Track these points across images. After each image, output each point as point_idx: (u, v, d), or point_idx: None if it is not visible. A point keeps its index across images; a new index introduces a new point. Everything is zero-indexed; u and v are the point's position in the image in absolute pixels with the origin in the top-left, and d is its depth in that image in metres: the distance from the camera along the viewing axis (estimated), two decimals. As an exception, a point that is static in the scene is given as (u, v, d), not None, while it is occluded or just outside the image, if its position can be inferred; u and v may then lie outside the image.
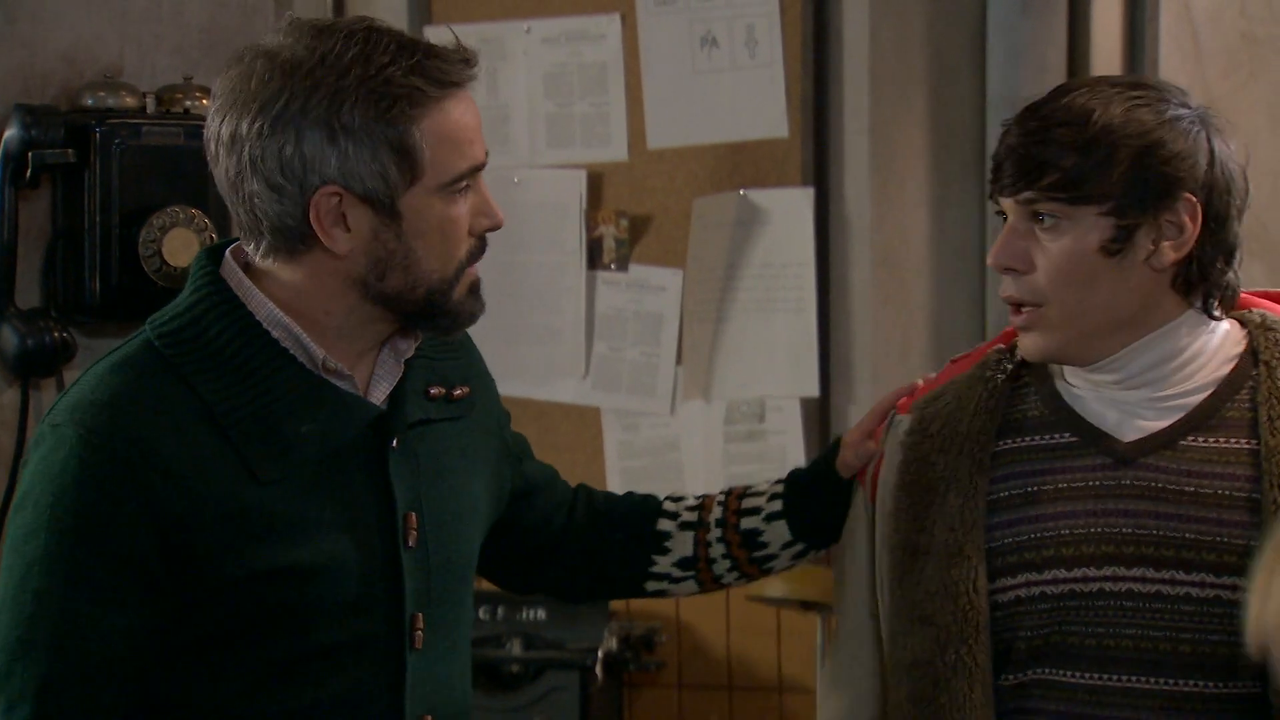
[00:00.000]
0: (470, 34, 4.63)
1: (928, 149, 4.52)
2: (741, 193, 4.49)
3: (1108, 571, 2.23)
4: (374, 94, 2.08)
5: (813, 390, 4.47)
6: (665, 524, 2.50)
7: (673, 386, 4.56)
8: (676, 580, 2.50)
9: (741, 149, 4.50)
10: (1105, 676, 2.24)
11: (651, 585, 2.50)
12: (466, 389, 2.30)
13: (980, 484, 2.30)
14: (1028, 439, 2.32)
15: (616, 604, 4.45)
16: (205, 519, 2.08)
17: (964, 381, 2.38)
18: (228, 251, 2.20)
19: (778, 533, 2.48)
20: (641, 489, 4.58)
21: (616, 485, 4.58)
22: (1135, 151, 2.21)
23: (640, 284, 4.59)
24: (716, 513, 2.51)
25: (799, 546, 2.49)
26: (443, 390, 2.27)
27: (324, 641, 2.14)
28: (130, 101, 2.77)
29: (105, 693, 2.08)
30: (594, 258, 4.61)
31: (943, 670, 2.27)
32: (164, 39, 2.86)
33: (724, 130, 4.51)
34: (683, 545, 2.50)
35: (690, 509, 2.52)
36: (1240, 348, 2.30)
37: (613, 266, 4.60)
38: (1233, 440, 2.25)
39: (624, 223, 4.59)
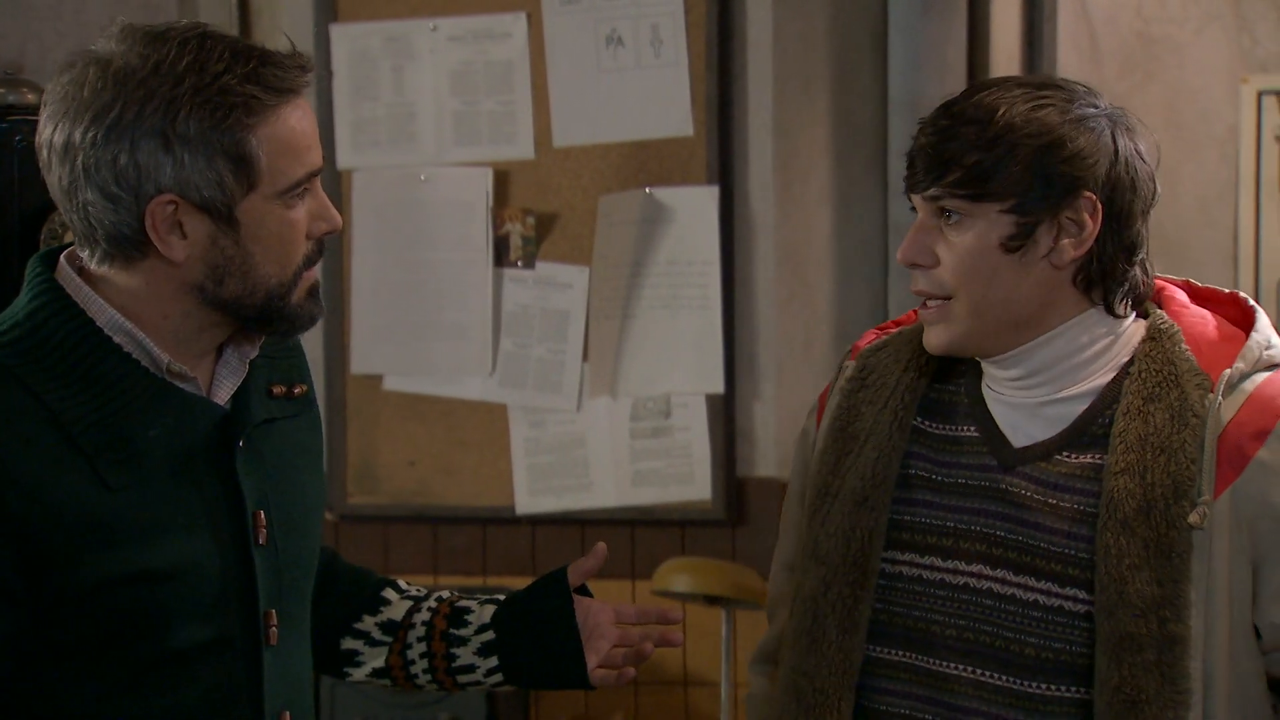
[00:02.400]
0: (377, 32, 4.64)
1: (831, 147, 4.55)
2: (647, 191, 4.51)
3: (974, 569, 2.31)
4: (209, 103, 2.07)
5: (718, 387, 4.49)
6: (389, 593, 2.51)
7: (579, 383, 4.57)
8: (374, 642, 2.48)
9: (647, 147, 4.52)
10: (962, 667, 2.31)
11: (347, 643, 2.49)
12: (304, 387, 2.32)
13: (899, 442, 2.37)
14: (944, 427, 2.38)
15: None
16: (57, 527, 2.06)
17: (906, 336, 2.44)
18: (62, 256, 2.18)
19: (485, 611, 2.47)
20: (548, 485, 4.63)
21: (524, 481, 4.59)
22: (1035, 150, 2.24)
23: (547, 281, 4.60)
24: (441, 593, 2.52)
25: (489, 634, 2.47)
26: (284, 388, 2.28)
27: (182, 644, 2.14)
28: (31, 98, 2.76)
29: None
30: (500, 255, 4.62)
31: (824, 607, 2.35)
32: (66, 36, 2.86)
33: (629, 129, 4.53)
34: (396, 611, 2.49)
35: (419, 591, 2.53)
36: (1129, 354, 2.33)
37: (519, 264, 4.61)
38: (1093, 456, 2.30)
39: (530, 220, 4.60)
